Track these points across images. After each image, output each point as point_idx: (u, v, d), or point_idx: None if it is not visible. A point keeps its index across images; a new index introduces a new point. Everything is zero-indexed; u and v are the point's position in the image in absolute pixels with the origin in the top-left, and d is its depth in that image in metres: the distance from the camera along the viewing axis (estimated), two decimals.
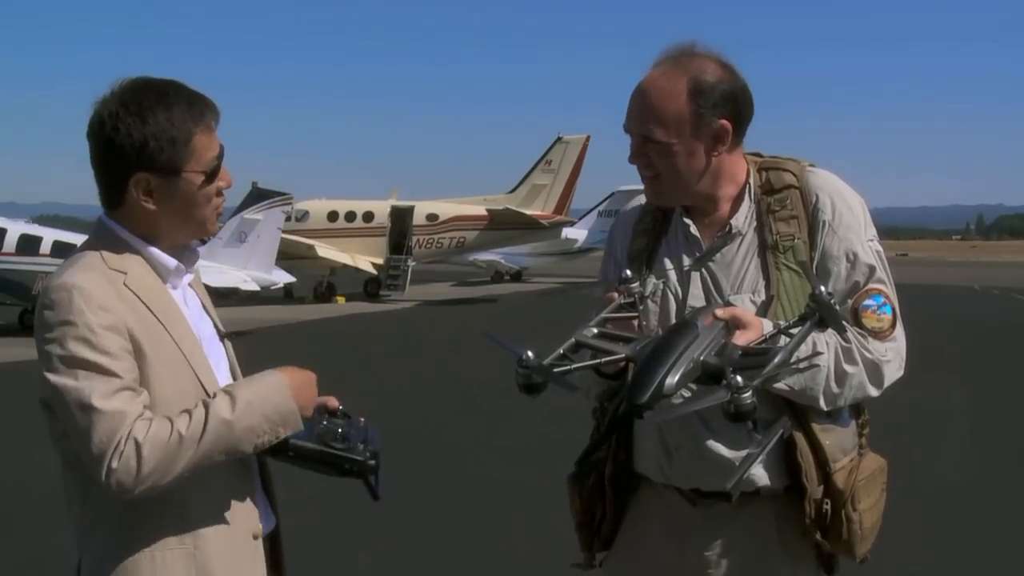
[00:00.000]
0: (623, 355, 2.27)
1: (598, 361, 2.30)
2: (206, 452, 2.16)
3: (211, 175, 2.33)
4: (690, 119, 2.49)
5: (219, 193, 2.38)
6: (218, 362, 2.45)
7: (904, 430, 9.69)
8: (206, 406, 2.18)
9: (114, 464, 2.09)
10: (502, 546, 6.71)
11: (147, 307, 2.27)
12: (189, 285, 2.47)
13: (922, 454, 9.39)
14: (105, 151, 2.29)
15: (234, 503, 2.35)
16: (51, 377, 2.16)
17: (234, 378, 2.50)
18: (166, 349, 2.26)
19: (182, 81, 2.37)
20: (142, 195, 2.30)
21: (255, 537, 2.41)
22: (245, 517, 2.38)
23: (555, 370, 2.20)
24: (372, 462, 2.39)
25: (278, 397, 2.26)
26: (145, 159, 2.26)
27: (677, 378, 2.05)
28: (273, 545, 2.54)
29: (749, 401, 1.98)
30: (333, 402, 2.43)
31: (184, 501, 2.26)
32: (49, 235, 22.26)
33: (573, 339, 2.30)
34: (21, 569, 6.32)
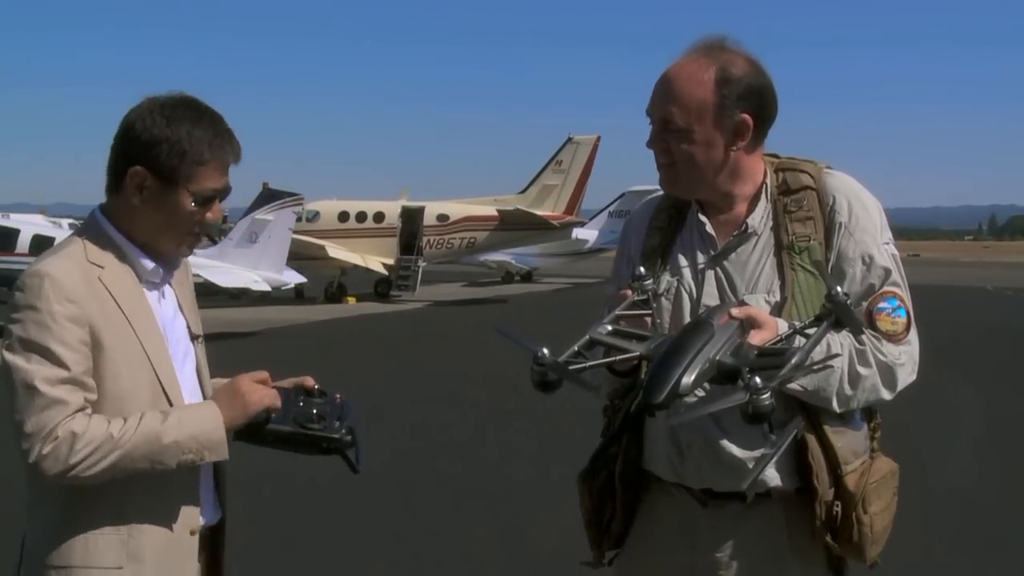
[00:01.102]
0: (638, 353, 2.27)
1: (613, 359, 2.30)
2: (130, 457, 2.28)
3: (202, 202, 2.44)
4: (713, 108, 2.50)
5: (201, 224, 2.47)
6: (183, 361, 2.53)
7: (914, 431, 9.65)
8: (141, 416, 2.30)
9: (44, 450, 2.24)
10: (511, 545, 6.71)
11: (117, 303, 2.38)
12: (169, 284, 2.57)
13: (932, 456, 9.36)
14: (122, 135, 2.44)
15: (174, 496, 2.44)
16: (6, 354, 2.29)
17: (200, 378, 2.60)
18: (128, 345, 2.37)
19: (223, 116, 2.49)
20: (134, 188, 2.41)
21: (192, 532, 2.48)
22: (184, 510, 2.45)
23: (570, 367, 2.20)
24: (348, 438, 2.49)
25: (210, 424, 2.36)
26: (151, 157, 2.38)
27: (693, 378, 2.05)
28: (214, 539, 2.61)
29: (768, 402, 1.97)
30: (309, 382, 2.55)
31: (124, 489, 2.35)
32: (62, 235, 22.33)
33: (587, 336, 2.29)
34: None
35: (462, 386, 13.88)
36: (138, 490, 2.36)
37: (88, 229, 2.47)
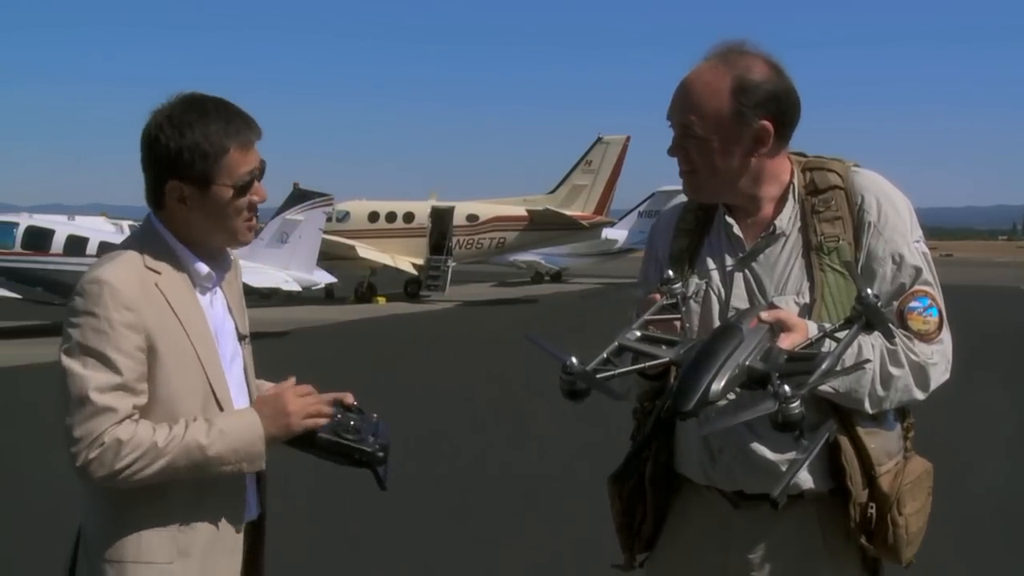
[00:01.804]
0: (667, 359, 2.25)
1: (642, 366, 2.29)
2: (172, 466, 2.36)
3: (241, 189, 2.50)
4: (730, 117, 2.48)
5: (251, 207, 2.54)
6: (231, 362, 2.61)
7: (946, 432, 9.57)
8: (186, 426, 2.37)
9: (90, 455, 2.31)
10: (542, 547, 6.70)
11: (172, 309, 2.45)
12: (220, 286, 2.64)
13: (966, 457, 9.26)
14: (148, 157, 2.51)
15: (221, 494, 2.50)
16: (63, 358, 2.36)
17: (247, 378, 2.67)
18: (182, 350, 2.44)
19: (228, 100, 2.54)
20: (176, 202, 2.49)
21: (237, 530, 2.55)
22: (230, 508, 2.53)
23: (599, 375, 2.19)
24: (380, 454, 2.57)
25: (250, 436, 2.43)
26: (179, 169, 2.46)
27: (723, 384, 2.03)
28: (255, 534, 2.66)
29: (798, 411, 1.95)
30: (349, 398, 2.63)
31: (174, 487, 2.42)
32: (95, 236, 22.54)
33: (616, 343, 2.28)
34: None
35: (492, 386, 13.88)
36: (187, 488, 2.43)
37: (144, 235, 2.54)
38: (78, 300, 2.38)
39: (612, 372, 2.22)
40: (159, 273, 2.46)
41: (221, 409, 2.49)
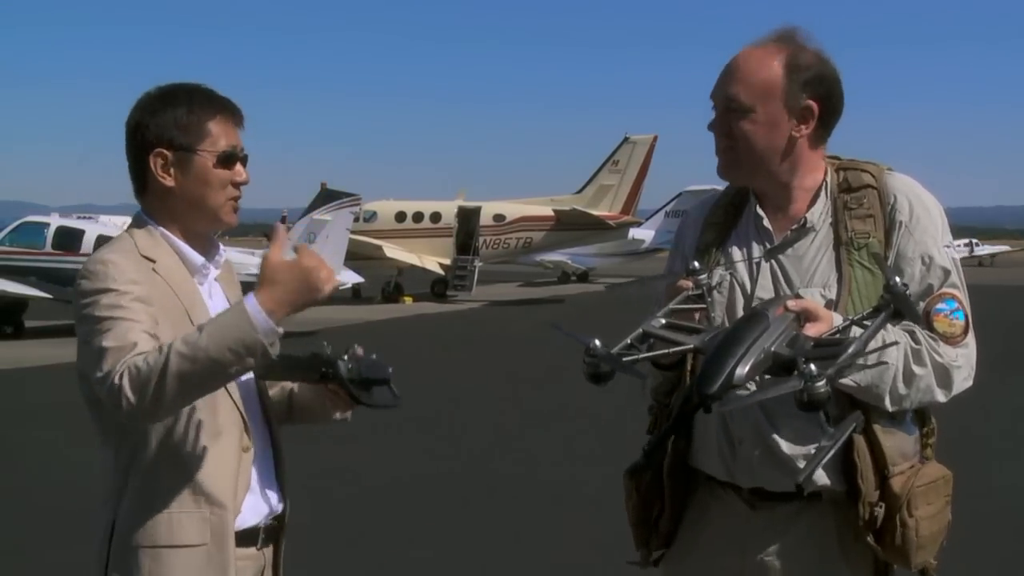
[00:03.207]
0: (691, 346, 2.24)
1: (667, 351, 2.28)
2: (176, 382, 2.18)
3: (224, 159, 2.52)
4: (781, 89, 2.49)
5: (235, 185, 2.55)
6: None
7: (977, 434, 9.51)
8: (170, 345, 2.21)
9: (117, 381, 2.20)
10: (561, 547, 6.71)
11: (174, 293, 2.45)
12: (215, 280, 2.63)
13: (997, 457, 9.22)
14: (131, 138, 2.55)
15: (237, 483, 2.49)
16: (82, 331, 2.33)
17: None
18: (185, 331, 2.36)
19: (210, 86, 2.61)
20: (160, 171, 2.50)
21: (259, 521, 2.55)
22: (252, 496, 2.52)
23: (624, 359, 2.18)
24: (349, 365, 2.50)
25: (241, 328, 2.20)
26: (164, 141, 2.49)
27: (748, 368, 2.01)
28: (279, 529, 2.65)
29: (823, 390, 1.93)
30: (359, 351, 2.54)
31: (199, 469, 2.43)
32: None
33: (641, 329, 2.27)
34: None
35: (519, 386, 13.90)
36: (207, 473, 2.43)
37: (136, 227, 2.55)
38: (84, 283, 2.37)
39: (635, 356, 2.20)
40: (155, 261, 2.47)
41: (230, 396, 2.48)
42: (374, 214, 34.89)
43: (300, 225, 25.39)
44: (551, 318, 25.72)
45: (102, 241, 21.68)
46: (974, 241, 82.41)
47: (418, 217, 35.15)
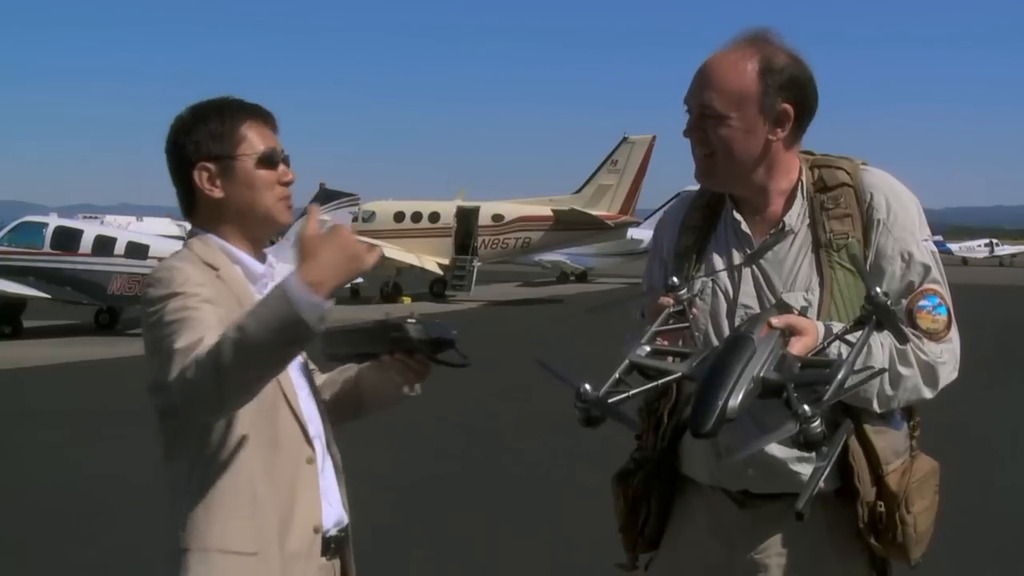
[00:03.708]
0: (679, 374, 2.22)
1: (655, 383, 2.25)
2: (235, 368, 2.13)
3: (264, 160, 2.53)
4: (756, 95, 2.47)
5: (282, 183, 2.56)
6: (296, 367, 2.57)
7: (971, 431, 9.53)
8: (223, 333, 2.18)
9: (182, 372, 2.19)
10: (559, 547, 6.74)
11: (237, 299, 2.45)
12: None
13: (989, 455, 9.24)
14: (171, 156, 2.57)
15: (299, 490, 2.47)
16: (151, 339, 2.33)
17: (306, 373, 2.65)
18: None
19: (239, 97, 2.62)
20: (206, 184, 2.52)
21: (316, 530, 2.49)
22: (307, 507, 2.48)
23: (612, 400, 2.15)
24: (418, 327, 2.46)
25: (281, 308, 2.12)
26: (203, 155, 2.51)
27: (739, 400, 2.00)
28: (344, 542, 2.63)
29: (819, 430, 1.93)
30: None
31: (252, 476, 2.41)
32: (123, 236, 22.74)
33: (627, 360, 2.25)
34: (114, 552, 6.47)
35: (516, 386, 13.89)
36: (262, 482, 2.41)
37: (195, 240, 2.55)
38: (150, 291, 2.37)
39: (625, 394, 2.18)
40: (217, 268, 2.48)
41: (290, 407, 2.47)
42: (373, 214, 34.87)
43: (298, 225, 25.40)
44: (550, 318, 25.74)
45: (100, 241, 21.85)
46: (995, 241, 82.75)
47: (417, 217, 35.11)
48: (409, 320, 2.50)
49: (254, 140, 2.53)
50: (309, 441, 2.50)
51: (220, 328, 2.22)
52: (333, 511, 2.57)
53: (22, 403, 12.58)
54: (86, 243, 21.81)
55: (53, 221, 23.27)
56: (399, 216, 35.13)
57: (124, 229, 29.13)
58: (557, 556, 6.56)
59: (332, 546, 2.56)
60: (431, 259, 33.98)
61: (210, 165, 2.51)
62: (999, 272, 57.51)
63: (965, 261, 75.17)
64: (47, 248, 21.80)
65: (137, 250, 21.46)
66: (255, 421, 2.41)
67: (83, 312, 22.51)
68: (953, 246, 76.34)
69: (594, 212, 34.79)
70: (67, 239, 21.98)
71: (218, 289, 2.42)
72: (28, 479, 8.67)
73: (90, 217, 33.74)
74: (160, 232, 31.28)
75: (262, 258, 2.61)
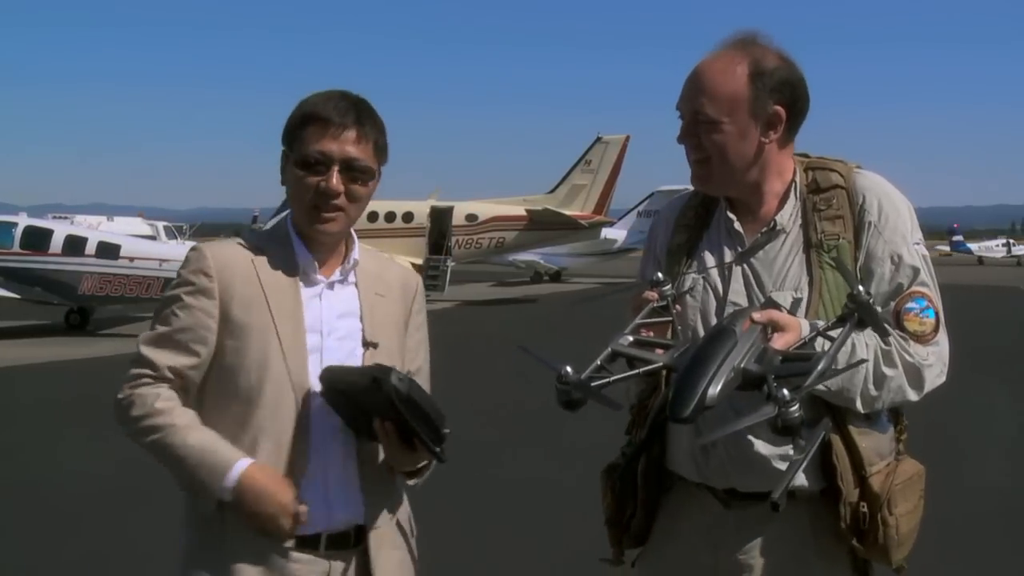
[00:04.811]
0: (661, 363, 2.24)
1: (636, 372, 2.26)
2: (142, 444, 2.50)
3: (301, 163, 2.53)
4: (747, 99, 2.48)
5: (319, 193, 2.53)
6: (344, 360, 2.56)
7: (948, 433, 9.59)
8: (175, 427, 2.45)
9: (120, 395, 2.50)
10: (536, 543, 6.74)
11: (260, 284, 2.52)
12: (346, 284, 2.66)
13: (967, 457, 9.30)
14: None
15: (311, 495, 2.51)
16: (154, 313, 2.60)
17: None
18: (261, 323, 2.50)
19: (361, 97, 2.62)
20: (282, 167, 2.62)
21: (320, 529, 2.54)
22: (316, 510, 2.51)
23: (594, 384, 2.17)
24: (405, 380, 2.47)
25: (208, 480, 2.42)
26: (284, 142, 2.61)
27: (719, 389, 2.02)
28: (359, 537, 2.64)
29: (797, 415, 1.95)
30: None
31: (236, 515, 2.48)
32: (94, 236, 22.57)
33: (609, 348, 2.26)
34: (83, 559, 6.42)
35: (491, 385, 13.90)
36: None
37: (281, 216, 2.68)
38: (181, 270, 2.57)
39: (607, 380, 2.20)
40: (263, 254, 2.57)
41: (294, 394, 2.50)
42: None
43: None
44: (524, 317, 25.76)
45: (71, 241, 21.67)
46: (1011, 241, 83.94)
47: (390, 217, 35.04)
48: (397, 373, 2.44)
49: (308, 141, 2.52)
50: (293, 454, 2.50)
51: (192, 333, 2.48)
52: (344, 509, 2.59)
53: (11, 399, 12.47)
54: (56, 243, 21.61)
55: (23, 221, 23.04)
56: (372, 216, 35.04)
57: (95, 229, 28.89)
58: (554, 556, 6.56)
59: (332, 546, 2.58)
60: (405, 259, 33.84)
61: (285, 151, 2.59)
62: (1019, 272, 58.31)
63: (981, 260, 76.42)
64: (16, 248, 21.60)
65: (108, 250, 21.28)
66: (252, 438, 2.51)
67: (53, 312, 22.32)
68: (972, 246, 77.95)
69: (568, 212, 34.85)
70: (37, 239, 21.77)
71: (236, 272, 2.51)
72: (20, 479, 8.59)
73: (60, 217, 33.47)
74: (131, 232, 31.09)
75: (324, 253, 2.62)
